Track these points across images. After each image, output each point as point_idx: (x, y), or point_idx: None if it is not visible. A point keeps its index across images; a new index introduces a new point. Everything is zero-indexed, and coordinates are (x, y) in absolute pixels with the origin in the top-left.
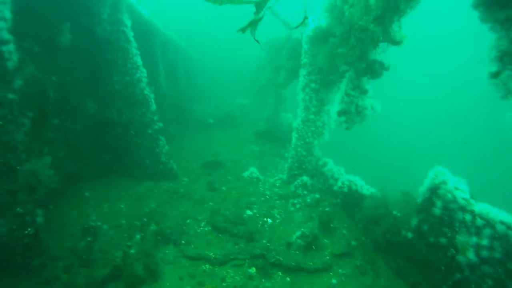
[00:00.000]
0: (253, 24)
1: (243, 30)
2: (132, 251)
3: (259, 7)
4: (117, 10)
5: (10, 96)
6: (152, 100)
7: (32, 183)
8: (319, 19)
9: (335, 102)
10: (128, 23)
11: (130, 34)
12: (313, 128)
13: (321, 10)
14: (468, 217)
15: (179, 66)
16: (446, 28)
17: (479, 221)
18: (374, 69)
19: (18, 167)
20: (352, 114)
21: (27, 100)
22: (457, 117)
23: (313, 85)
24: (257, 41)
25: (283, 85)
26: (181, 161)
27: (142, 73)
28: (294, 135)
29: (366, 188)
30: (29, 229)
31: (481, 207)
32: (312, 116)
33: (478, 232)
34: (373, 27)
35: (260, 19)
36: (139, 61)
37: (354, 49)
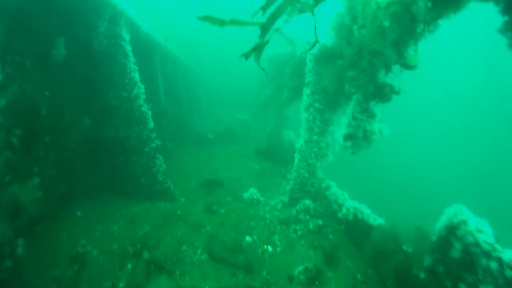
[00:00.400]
0: (258, 49)
1: (246, 55)
2: (121, 284)
3: (265, 29)
4: (115, 23)
5: None
6: (150, 117)
7: (13, 210)
8: (324, 37)
9: (341, 125)
10: (127, 37)
11: (128, 48)
12: (316, 150)
13: (327, 28)
14: (494, 265)
15: (179, 80)
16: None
17: (509, 272)
18: (383, 93)
19: None
20: (359, 139)
21: (15, 119)
22: (470, 136)
23: (317, 104)
24: (262, 69)
25: (285, 104)
26: (179, 179)
27: (140, 89)
28: (296, 156)
29: (373, 218)
30: (7, 262)
31: (509, 254)
32: (315, 137)
33: (507, 285)
34: (389, 51)
35: (266, 43)
36: (137, 76)
37: (364, 72)
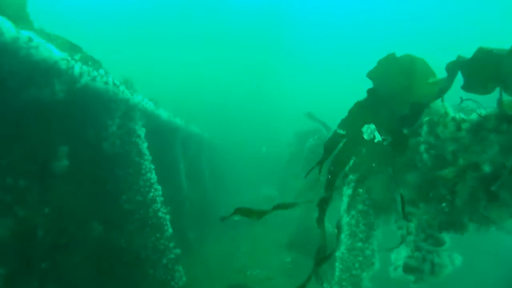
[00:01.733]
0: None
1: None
2: None
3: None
4: (128, 119)
5: None
6: (168, 223)
7: None
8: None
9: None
10: (142, 132)
11: (144, 145)
12: (360, 258)
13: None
14: None
15: (202, 160)
16: None
17: None
18: (460, 223)
19: None
20: (424, 273)
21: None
22: None
23: (360, 206)
24: None
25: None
26: (200, 279)
27: (157, 191)
28: (337, 265)
29: None
30: None
31: None
32: (359, 244)
33: None
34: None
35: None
36: (153, 177)
37: (435, 205)
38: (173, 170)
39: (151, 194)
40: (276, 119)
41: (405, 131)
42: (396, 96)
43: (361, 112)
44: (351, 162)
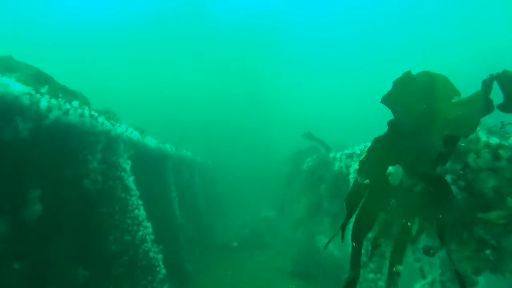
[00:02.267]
0: None
1: None
2: None
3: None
4: (111, 152)
5: None
6: (161, 264)
7: None
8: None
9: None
10: (127, 165)
11: (130, 180)
12: None
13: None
14: None
15: (195, 184)
16: None
17: None
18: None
19: None
20: None
21: None
22: None
23: (370, 234)
24: None
25: (328, 230)
26: None
27: (146, 229)
28: None
29: None
30: None
31: None
32: (371, 275)
33: None
34: None
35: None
36: (142, 214)
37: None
38: (165, 201)
39: (140, 232)
40: (271, 133)
41: (438, 170)
42: (422, 127)
43: (382, 151)
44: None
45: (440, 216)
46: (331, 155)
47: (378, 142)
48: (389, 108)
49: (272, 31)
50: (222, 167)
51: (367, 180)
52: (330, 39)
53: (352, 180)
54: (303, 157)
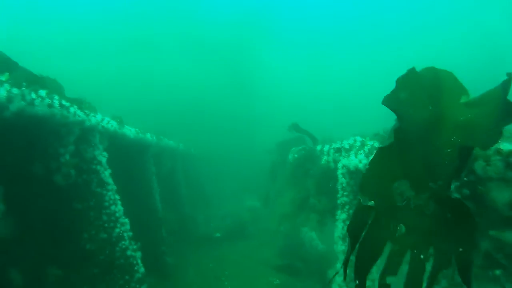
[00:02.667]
0: None
1: None
2: None
3: None
4: (86, 143)
5: None
6: (139, 262)
7: None
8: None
9: None
10: (103, 158)
11: (106, 173)
12: None
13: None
14: None
15: (178, 174)
16: None
17: None
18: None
19: None
20: None
21: None
22: None
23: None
24: None
25: (315, 227)
26: None
27: (124, 225)
28: None
29: None
30: None
31: None
32: None
33: None
34: None
35: None
36: (119, 209)
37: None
38: (146, 193)
39: (117, 230)
40: (258, 122)
41: (452, 186)
42: (430, 134)
43: (388, 165)
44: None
45: (461, 249)
46: (318, 147)
47: (383, 153)
48: (392, 111)
49: (261, 8)
50: (206, 155)
51: (372, 202)
52: (324, 17)
53: (340, 176)
54: (288, 148)
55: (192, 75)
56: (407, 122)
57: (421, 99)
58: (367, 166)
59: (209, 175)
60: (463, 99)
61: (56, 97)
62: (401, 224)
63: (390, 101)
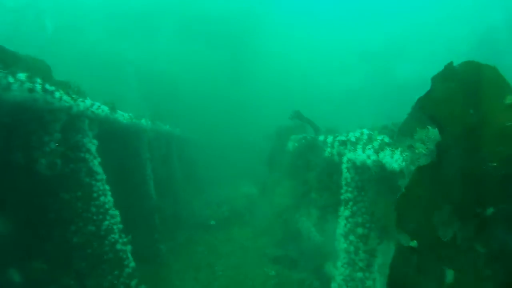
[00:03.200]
0: None
1: None
2: None
3: None
4: (73, 131)
5: None
6: (130, 256)
7: None
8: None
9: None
10: (93, 146)
11: (95, 162)
12: None
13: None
14: None
15: (173, 159)
16: None
17: None
18: None
19: None
20: None
21: None
22: None
23: (360, 230)
24: None
25: (317, 224)
26: None
27: (113, 218)
28: None
29: None
30: None
31: None
32: (359, 274)
33: None
34: None
35: None
36: (109, 200)
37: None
38: (139, 179)
39: (106, 222)
40: (256, 106)
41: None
42: (472, 144)
43: (429, 189)
44: None
45: None
46: (321, 138)
47: (422, 174)
48: (429, 119)
49: None
50: (202, 140)
51: (415, 242)
52: None
53: (345, 171)
54: (287, 135)
55: (189, 55)
56: (446, 132)
57: (461, 102)
58: (403, 191)
59: (205, 161)
60: (508, 100)
61: (38, 80)
62: (447, 268)
63: (425, 105)
